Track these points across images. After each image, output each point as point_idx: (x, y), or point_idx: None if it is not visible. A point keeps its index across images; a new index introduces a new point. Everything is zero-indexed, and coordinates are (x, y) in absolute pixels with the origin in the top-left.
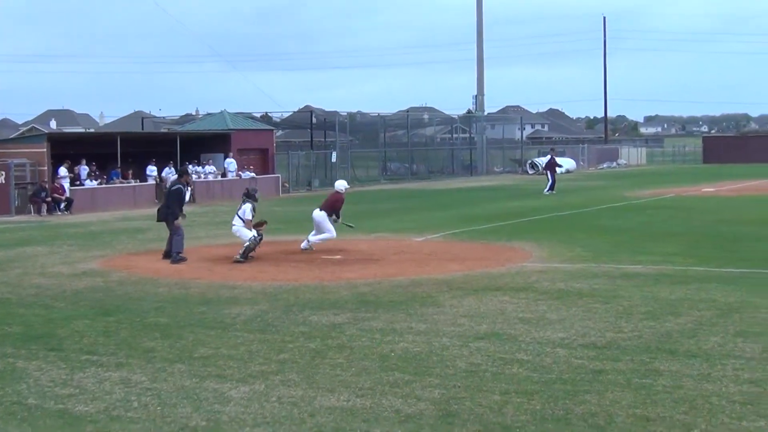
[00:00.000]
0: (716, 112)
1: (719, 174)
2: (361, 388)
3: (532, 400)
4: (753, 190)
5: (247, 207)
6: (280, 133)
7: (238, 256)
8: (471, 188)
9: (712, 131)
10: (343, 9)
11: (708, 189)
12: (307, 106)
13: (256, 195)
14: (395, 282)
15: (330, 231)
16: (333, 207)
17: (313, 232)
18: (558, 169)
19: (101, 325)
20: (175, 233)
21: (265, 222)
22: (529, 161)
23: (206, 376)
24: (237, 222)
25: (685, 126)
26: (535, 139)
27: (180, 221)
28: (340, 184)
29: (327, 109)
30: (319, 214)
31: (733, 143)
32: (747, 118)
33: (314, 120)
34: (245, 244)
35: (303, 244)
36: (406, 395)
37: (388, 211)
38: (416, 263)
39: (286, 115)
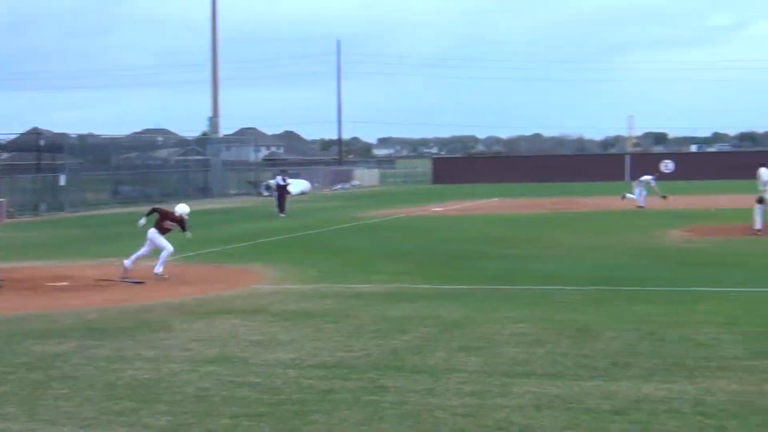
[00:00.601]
0: (446, 134)
1: (448, 194)
2: (84, 419)
3: (262, 422)
4: (478, 210)
5: None
6: (5, 156)
7: None
8: (206, 211)
9: (442, 153)
10: (75, 29)
11: (437, 209)
12: (34, 129)
13: None
14: (124, 308)
15: (166, 246)
16: (162, 225)
17: (143, 251)
18: (291, 190)
19: None
20: None
21: None
22: (264, 183)
23: None
24: None
25: (416, 148)
26: (270, 161)
27: None
28: (180, 208)
29: (57, 132)
30: (150, 231)
31: (461, 164)
32: (474, 140)
33: (42, 142)
34: None
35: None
36: (133, 424)
37: (119, 236)
38: (147, 288)
39: (11, 137)
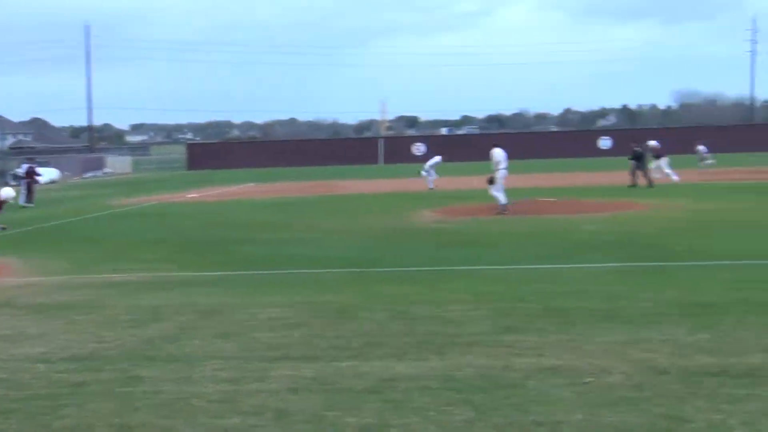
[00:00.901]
0: (201, 119)
1: (204, 180)
2: None
3: (9, 419)
4: (235, 195)
5: None
6: None
7: None
8: None
9: (198, 138)
10: None
11: (193, 195)
12: None
13: None
14: None
15: None
16: None
17: None
18: (40, 179)
19: None
20: None
21: None
22: (11, 172)
23: None
24: None
25: (171, 134)
26: (17, 150)
27: None
28: (5, 191)
29: None
30: None
31: (217, 150)
32: (230, 125)
33: None
34: None
35: None
36: None
37: None
38: None
39: None
